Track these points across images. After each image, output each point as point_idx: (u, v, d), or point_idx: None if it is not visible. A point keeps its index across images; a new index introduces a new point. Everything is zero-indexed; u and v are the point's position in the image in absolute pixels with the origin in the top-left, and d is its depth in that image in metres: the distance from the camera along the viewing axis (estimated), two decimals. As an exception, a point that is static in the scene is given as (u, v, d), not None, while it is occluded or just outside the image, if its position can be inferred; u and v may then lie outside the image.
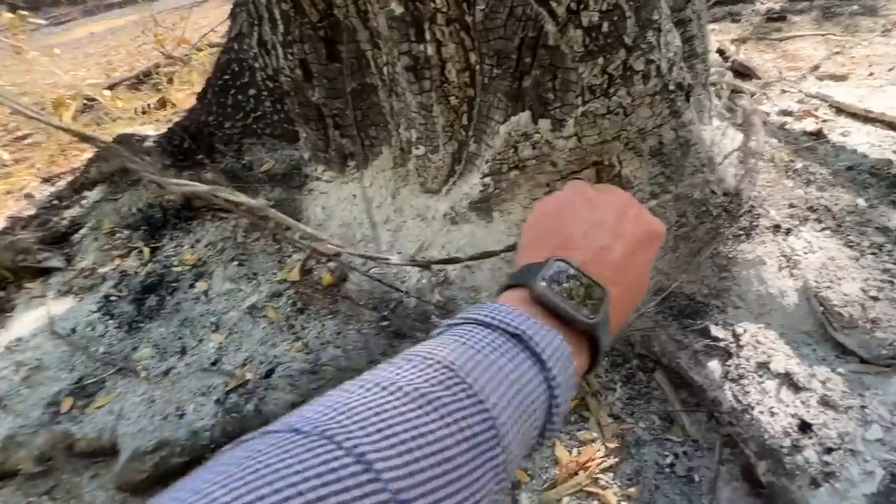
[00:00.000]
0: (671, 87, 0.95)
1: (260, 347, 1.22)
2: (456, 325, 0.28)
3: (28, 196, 2.08)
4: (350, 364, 1.06)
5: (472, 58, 1.02)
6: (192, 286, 1.46)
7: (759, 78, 1.70)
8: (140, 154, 1.70)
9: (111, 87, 4.01)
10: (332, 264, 1.35)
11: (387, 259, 1.13)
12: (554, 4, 0.84)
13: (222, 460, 0.19)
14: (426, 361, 0.24)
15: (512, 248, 1.11)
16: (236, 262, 1.48)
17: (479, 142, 1.14)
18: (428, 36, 1.00)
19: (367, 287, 1.24)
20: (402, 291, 1.16)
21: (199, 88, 3.78)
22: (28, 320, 1.50)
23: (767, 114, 1.47)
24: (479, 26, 0.93)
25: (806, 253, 0.95)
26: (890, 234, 1.02)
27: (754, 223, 0.97)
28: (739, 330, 0.93)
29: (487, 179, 1.13)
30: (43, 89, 4.90)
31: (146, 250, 1.62)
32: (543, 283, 0.29)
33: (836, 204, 1.09)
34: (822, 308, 0.89)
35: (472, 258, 1.07)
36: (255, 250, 1.51)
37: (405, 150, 1.31)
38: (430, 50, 1.02)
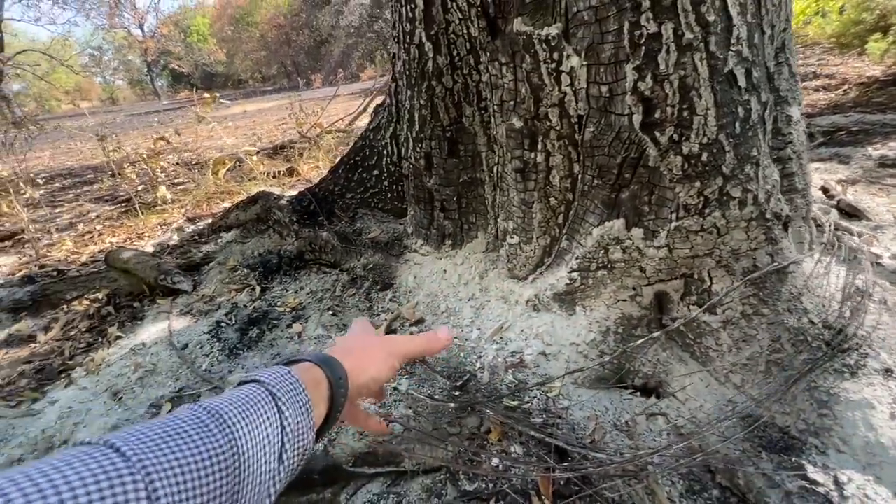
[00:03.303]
0: (768, 216, 0.99)
1: (337, 393, 1.31)
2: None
3: (178, 229, 2.52)
4: (417, 425, 1.10)
5: (576, 168, 1.16)
6: (289, 326, 1.63)
7: (870, 220, 1.65)
8: (274, 209, 2.03)
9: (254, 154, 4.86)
10: (414, 328, 1.45)
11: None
12: (657, 134, 0.96)
13: None
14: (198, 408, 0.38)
15: (578, 371, 1.15)
16: (330, 312, 1.64)
17: (570, 239, 1.24)
18: (539, 146, 1.17)
19: (443, 355, 1.31)
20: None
21: (322, 163, 4.42)
22: (153, 330, 1.75)
23: (879, 256, 1.41)
24: (587, 144, 1.08)
25: (925, 406, 0.87)
26: None
27: (861, 362, 0.92)
28: (843, 478, 0.84)
29: (575, 274, 1.20)
30: (203, 149, 6.03)
31: (258, 288, 1.86)
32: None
33: (963, 361, 0.99)
34: (947, 473, 0.79)
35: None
36: (349, 304, 1.68)
37: (499, 238, 1.45)
38: (540, 158, 1.19)
